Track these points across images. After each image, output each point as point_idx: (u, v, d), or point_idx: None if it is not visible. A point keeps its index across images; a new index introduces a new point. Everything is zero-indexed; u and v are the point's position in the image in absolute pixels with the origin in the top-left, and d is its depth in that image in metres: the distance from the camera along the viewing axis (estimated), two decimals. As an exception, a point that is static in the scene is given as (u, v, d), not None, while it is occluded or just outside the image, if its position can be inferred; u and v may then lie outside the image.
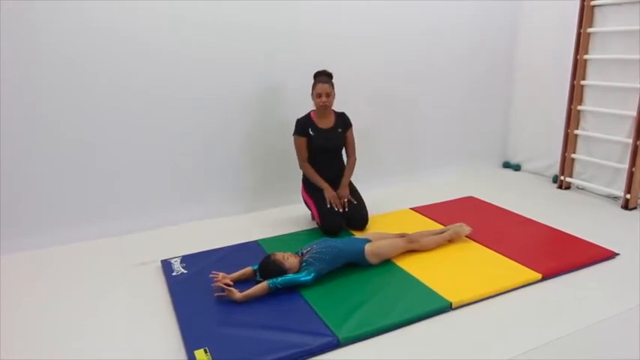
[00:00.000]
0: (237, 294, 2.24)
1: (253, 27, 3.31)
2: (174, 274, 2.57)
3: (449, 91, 4.19)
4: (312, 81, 3.11)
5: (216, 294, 2.29)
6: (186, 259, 2.71)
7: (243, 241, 2.94)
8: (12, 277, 2.64)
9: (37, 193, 2.99)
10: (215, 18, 3.19)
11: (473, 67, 4.23)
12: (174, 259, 2.71)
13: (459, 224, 2.89)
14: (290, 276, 2.35)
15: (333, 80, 3.11)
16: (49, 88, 2.89)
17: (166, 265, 2.67)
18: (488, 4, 4.12)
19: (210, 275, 2.36)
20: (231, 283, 2.32)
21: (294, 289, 2.35)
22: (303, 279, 2.35)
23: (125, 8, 2.96)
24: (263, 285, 2.30)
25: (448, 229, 2.86)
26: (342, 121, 3.22)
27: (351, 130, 3.25)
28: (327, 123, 3.17)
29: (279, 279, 2.32)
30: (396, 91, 3.96)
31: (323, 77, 3.09)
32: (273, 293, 2.31)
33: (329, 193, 3.07)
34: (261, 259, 2.45)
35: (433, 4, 3.89)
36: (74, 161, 3.04)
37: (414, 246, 2.70)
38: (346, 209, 3.06)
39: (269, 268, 2.38)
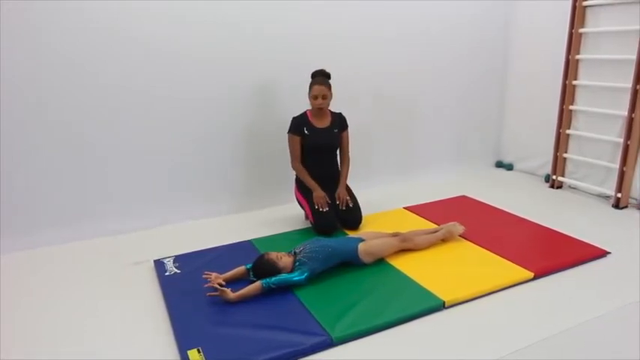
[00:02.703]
0: (230, 294, 2.23)
1: (251, 27, 3.31)
2: (167, 274, 2.56)
3: (443, 91, 4.20)
4: (307, 81, 3.11)
5: (208, 294, 2.29)
6: (179, 259, 2.71)
7: (236, 241, 2.94)
8: (6, 276, 2.62)
9: (33, 193, 2.97)
10: (214, 18, 3.19)
11: (467, 68, 4.25)
12: (167, 259, 2.71)
13: (452, 223, 2.90)
14: (283, 275, 2.35)
15: (332, 80, 3.11)
16: (48, 88, 2.88)
17: (159, 265, 2.66)
18: (482, 5, 4.14)
19: (203, 276, 2.36)
20: (224, 283, 2.31)
21: (287, 288, 2.35)
22: (296, 279, 2.35)
23: (125, 8, 2.95)
24: (256, 285, 2.30)
25: (441, 229, 2.87)
26: (339, 122, 3.22)
27: (347, 132, 3.25)
28: (323, 123, 3.16)
29: (273, 279, 2.32)
30: (392, 92, 3.97)
31: (320, 78, 3.08)
32: (266, 293, 2.31)
33: (318, 193, 3.07)
34: (255, 259, 2.45)
35: (428, 5, 3.90)
36: (69, 161, 3.02)
37: (407, 245, 2.70)
38: (349, 206, 3.08)
39: (262, 267, 2.38)
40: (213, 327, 2.08)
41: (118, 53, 3.00)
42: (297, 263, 2.42)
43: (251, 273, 2.42)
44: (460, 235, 2.88)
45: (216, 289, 2.25)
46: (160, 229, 3.23)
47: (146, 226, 3.22)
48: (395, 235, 2.76)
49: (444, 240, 2.84)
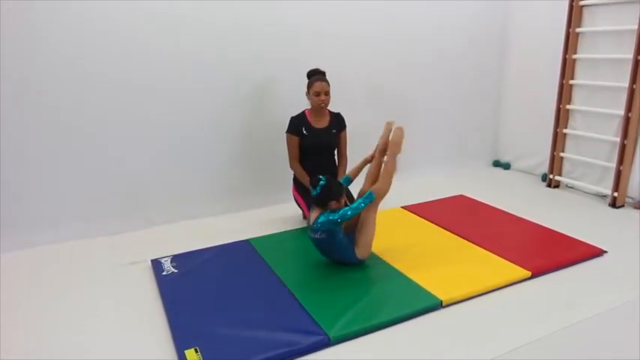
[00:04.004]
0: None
1: (247, 26, 3.31)
2: (164, 273, 2.56)
3: (440, 90, 4.21)
4: (305, 80, 3.11)
5: None
6: (176, 259, 2.70)
7: (234, 241, 2.93)
8: (4, 276, 2.61)
9: (28, 193, 2.96)
10: (213, 18, 3.19)
11: (464, 67, 4.25)
12: (165, 259, 2.70)
13: (387, 130, 2.81)
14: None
15: (329, 80, 3.10)
16: (47, 87, 2.87)
17: (156, 264, 2.65)
18: (479, 4, 4.14)
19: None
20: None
21: (283, 285, 2.35)
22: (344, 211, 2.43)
23: (125, 8, 2.95)
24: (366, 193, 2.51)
25: (383, 144, 2.78)
26: (337, 122, 3.22)
27: (345, 132, 3.25)
28: (321, 123, 3.16)
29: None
30: (390, 91, 3.97)
31: (319, 76, 3.07)
32: (262, 292, 2.32)
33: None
34: (331, 179, 2.49)
35: (424, 4, 3.90)
36: (67, 160, 3.02)
37: (382, 197, 2.61)
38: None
39: (333, 185, 2.47)
40: (211, 326, 2.08)
41: (117, 53, 3.00)
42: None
43: (317, 181, 2.44)
44: (458, 235, 2.88)
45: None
46: (157, 229, 3.22)
47: (143, 225, 3.22)
48: (365, 198, 2.58)
49: (395, 147, 2.71)
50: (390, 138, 2.76)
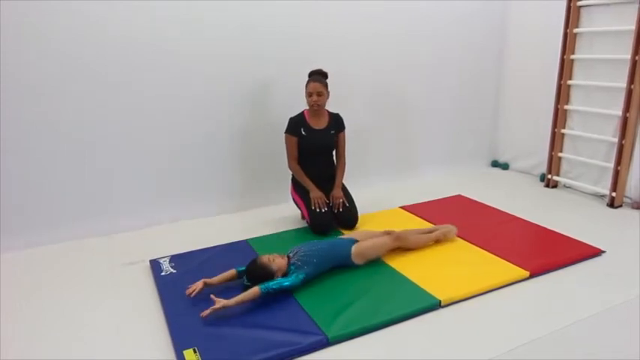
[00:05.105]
0: (227, 302, 2.13)
1: (246, 26, 3.31)
2: (163, 273, 2.56)
3: (438, 91, 4.21)
4: (305, 80, 3.11)
5: (203, 315, 2.10)
6: (175, 259, 2.70)
7: (232, 241, 2.94)
8: (3, 276, 2.61)
9: (27, 193, 2.96)
10: (211, 17, 3.19)
11: (462, 67, 4.26)
12: (163, 259, 2.70)
13: (447, 226, 2.89)
14: (280, 280, 2.29)
15: (328, 80, 3.11)
16: (47, 87, 2.87)
17: (155, 264, 2.66)
18: (477, 4, 4.15)
19: (187, 292, 2.27)
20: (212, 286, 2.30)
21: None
22: (292, 283, 2.30)
23: (124, 8, 2.95)
24: (254, 290, 2.20)
25: (437, 229, 2.87)
26: (336, 123, 3.22)
27: (344, 133, 3.25)
28: (320, 123, 3.16)
29: (271, 283, 2.25)
30: (387, 91, 3.98)
31: (316, 76, 3.07)
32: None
33: (315, 193, 3.07)
34: (248, 264, 2.38)
35: (422, 4, 3.91)
36: (66, 160, 3.02)
37: (400, 244, 2.69)
38: (341, 209, 3.07)
39: (256, 272, 2.32)
40: (209, 327, 2.08)
41: (116, 53, 3.00)
42: (292, 267, 2.38)
43: (245, 278, 2.37)
44: (456, 235, 2.88)
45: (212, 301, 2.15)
46: (156, 229, 3.22)
47: (142, 225, 3.22)
48: (387, 233, 2.74)
49: (437, 241, 2.83)
50: (445, 232, 2.86)
